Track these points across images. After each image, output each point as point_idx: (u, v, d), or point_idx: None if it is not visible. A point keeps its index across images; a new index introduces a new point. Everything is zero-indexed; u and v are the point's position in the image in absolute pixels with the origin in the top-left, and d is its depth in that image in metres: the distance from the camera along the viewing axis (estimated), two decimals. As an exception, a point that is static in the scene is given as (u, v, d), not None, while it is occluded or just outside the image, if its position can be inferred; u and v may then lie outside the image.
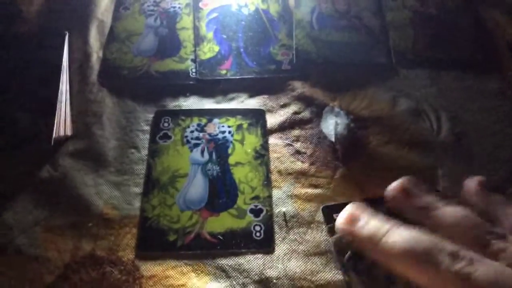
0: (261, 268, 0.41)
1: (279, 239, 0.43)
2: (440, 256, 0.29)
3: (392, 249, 0.30)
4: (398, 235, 0.31)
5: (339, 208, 0.37)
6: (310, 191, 0.47)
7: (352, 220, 0.34)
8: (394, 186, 0.35)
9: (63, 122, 0.49)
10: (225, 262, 0.42)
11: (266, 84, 0.56)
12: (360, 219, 0.33)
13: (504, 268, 0.28)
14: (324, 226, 0.43)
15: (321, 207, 0.44)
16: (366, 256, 0.33)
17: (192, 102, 0.54)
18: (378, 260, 0.32)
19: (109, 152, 0.49)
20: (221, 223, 0.44)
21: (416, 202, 0.34)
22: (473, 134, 0.51)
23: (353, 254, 0.34)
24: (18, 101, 0.50)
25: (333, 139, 0.50)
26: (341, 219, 0.35)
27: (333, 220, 0.36)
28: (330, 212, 0.37)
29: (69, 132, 0.50)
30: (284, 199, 0.46)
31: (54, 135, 0.48)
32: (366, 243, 0.32)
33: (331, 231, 0.35)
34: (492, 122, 0.52)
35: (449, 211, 0.32)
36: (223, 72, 0.56)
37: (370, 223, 0.33)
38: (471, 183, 0.36)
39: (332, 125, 0.51)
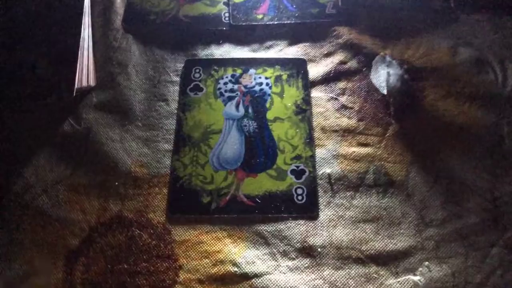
0: (303, 235, 0.37)
1: (324, 204, 0.39)
2: None
3: None
4: None
5: None
6: (358, 150, 0.42)
7: None
8: None
9: (85, 71, 0.45)
10: (263, 227, 0.38)
11: (308, 30, 0.50)
12: None
13: None
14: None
15: None
16: None
17: (225, 51, 0.49)
18: None
19: (136, 105, 0.44)
20: (259, 185, 0.40)
21: None
22: (546, 87, 0.45)
23: None
24: (38, 48, 0.46)
25: (384, 92, 0.44)
26: None
27: None
28: None
29: (92, 82, 0.45)
30: (329, 159, 0.41)
31: (76, 85, 0.44)
32: None
33: None
34: None
35: None
36: (259, 16, 0.51)
37: None
38: None
39: (383, 76, 0.45)
